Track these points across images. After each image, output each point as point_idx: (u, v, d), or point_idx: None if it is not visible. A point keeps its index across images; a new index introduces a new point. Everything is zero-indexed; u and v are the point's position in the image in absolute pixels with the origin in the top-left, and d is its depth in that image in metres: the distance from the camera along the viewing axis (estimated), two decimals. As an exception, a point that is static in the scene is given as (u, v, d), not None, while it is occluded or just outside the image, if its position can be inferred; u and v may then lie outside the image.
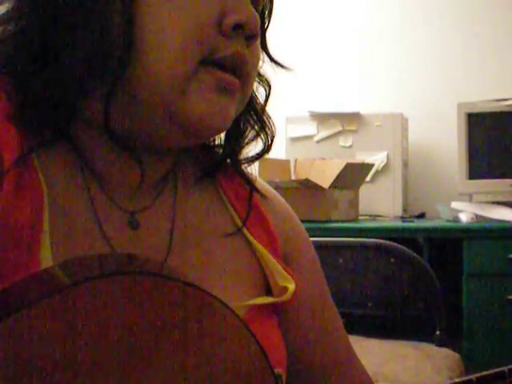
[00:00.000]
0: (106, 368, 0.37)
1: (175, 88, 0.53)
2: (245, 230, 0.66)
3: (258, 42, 0.58)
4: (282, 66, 0.65)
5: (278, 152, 2.56)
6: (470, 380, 0.43)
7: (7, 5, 0.56)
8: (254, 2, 0.58)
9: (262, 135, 0.65)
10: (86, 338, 0.36)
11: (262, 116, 0.65)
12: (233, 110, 0.57)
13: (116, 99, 0.53)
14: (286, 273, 0.66)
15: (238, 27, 0.54)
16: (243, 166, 0.68)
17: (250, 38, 0.56)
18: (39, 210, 0.53)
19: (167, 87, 0.53)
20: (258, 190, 0.68)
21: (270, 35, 0.65)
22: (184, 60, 0.53)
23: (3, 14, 0.56)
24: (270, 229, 0.68)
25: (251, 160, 0.67)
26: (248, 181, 0.67)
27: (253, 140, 0.65)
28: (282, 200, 0.74)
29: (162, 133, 0.56)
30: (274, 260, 0.66)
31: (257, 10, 0.58)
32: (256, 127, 0.65)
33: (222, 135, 0.65)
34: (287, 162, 2.60)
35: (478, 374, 0.44)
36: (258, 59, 0.60)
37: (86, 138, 0.57)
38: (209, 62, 0.54)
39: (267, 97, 0.65)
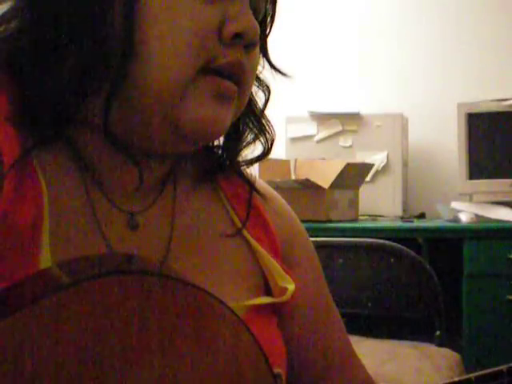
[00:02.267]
0: (105, 367, 0.37)
1: (173, 94, 0.53)
2: (244, 231, 0.66)
3: (257, 51, 0.59)
4: (281, 73, 0.65)
5: (277, 152, 2.56)
6: (469, 379, 0.43)
7: (8, 4, 0.56)
8: (255, 10, 0.58)
9: (261, 138, 0.65)
10: (85, 338, 0.36)
11: (261, 120, 0.65)
12: (229, 117, 0.57)
13: (115, 103, 0.53)
14: (285, 273, 0.66)
15: (237, 36, 0.54)
16: (242, 168, 0.68)
17: (248, 47, 0.56)
18: (39, 210, 0.53)
19: (165, 93, 0.53)
20: (257, 191, 0.68)
21: (271, 35, 0.65)
22: (184, 67, 0.53)
23: (4, 13, 0.56)
24: (269, 229, 0.68)
25: (250, 162, 0.67)
26: (248, 182, 0.68)
27: (252, 143, 0.66)
28: (282, 200, 0.74)
29: (158, 138, 0.56)
30: (273, 261, 0.66)
31: (257, 18, 0.58)
32: (255, 130, 0.65)
33: (221, 137, 0.66)
34: (287, 162, 2.60)
35: (476, 373, 0.44)
36: (256, 66, 0.60)
37: (85, 140, 0.57)
38: (207, 69, 0.54)
39: (266, 101, 0.66)
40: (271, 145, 0.66)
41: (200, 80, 0.54)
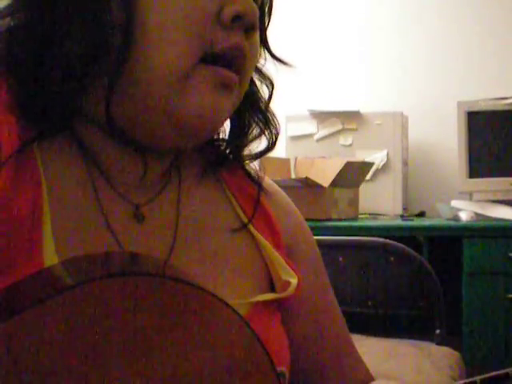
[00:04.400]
0: (108, 368, 0.37)
1: (173, 86, 0.53)
2: (249, 225, 0.66)
3: (257, 36, 0.58)
4: (283, 63, 0.65)
5: (278, 151, 2.55)
6: (474, 382, 0.43)
7: None
8: None
9: (266, 133, 0.65)
10: (88, 340, 0.36)
11: (266, 113, 0.65)
12: (228, 105, 0.56)
13: (116, 95, 0.53)
14: (288, 267, 0.66)
15: (236, 18, 0.54)
16: (248, 164, 0.68)
17: (249, 30, 0.55)
18: (38, 202, 0.52)
19: (165, 85, 0.53)
20: (262, 187, 0.68)
21: (271, 33, 0.65)
22: (183, 55, 0.52)
23: (5, 7, 0.56)
24: (273, 223, 0.68)
25: (255, 157, 0.67)
26: (254, 178, 0.68)
27: (257, 137, 0.66)
28: (284, 194, 0.74)
29: (158, 132, 0.56)
30: (277, 254, 0.66)
31: (256, 4, 0.58)
32: (260, 124, 0.65)
33: (227, 131, 0.66)
34: (287, 160, 2.60)
35: (481, 376, 0.44)
36: (256, 53, 0.59)
37: (88, 132, 0.57)
38: (209, 57, 0.54)
39: (270, 95, 0.65)
40: (276, 139, 0.66)
41: (200, 69, 0.53)
